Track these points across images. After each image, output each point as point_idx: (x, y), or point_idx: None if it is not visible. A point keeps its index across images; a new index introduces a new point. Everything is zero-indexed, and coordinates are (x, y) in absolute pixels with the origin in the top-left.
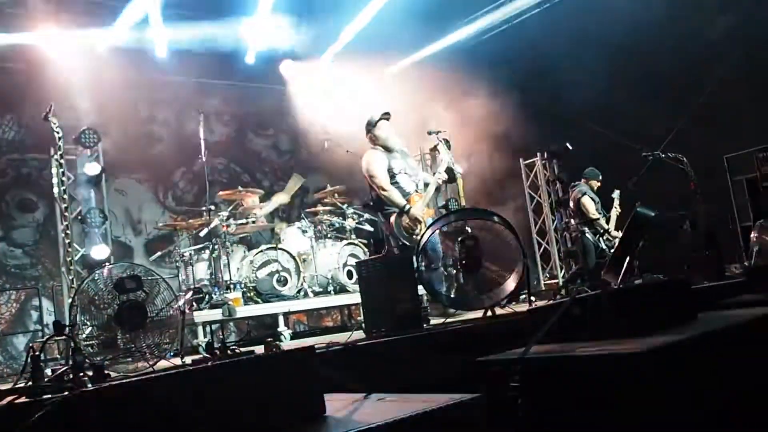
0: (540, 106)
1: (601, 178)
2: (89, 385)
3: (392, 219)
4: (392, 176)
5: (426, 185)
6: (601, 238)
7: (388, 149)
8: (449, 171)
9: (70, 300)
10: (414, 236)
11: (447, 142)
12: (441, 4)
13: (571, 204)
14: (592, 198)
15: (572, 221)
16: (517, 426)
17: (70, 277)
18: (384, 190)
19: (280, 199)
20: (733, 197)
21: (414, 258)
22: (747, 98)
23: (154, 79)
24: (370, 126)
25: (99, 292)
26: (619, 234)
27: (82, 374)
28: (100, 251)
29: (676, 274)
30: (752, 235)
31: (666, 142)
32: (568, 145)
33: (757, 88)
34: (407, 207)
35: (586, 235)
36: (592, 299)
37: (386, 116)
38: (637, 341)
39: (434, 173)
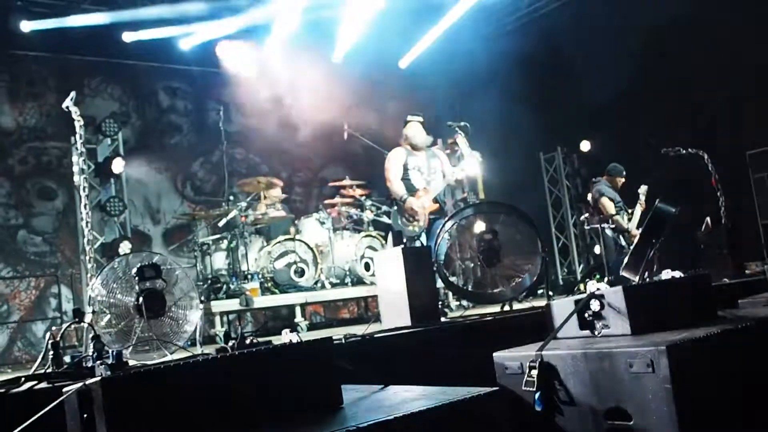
0: (561, 100)
1: (624, 174)
2: (108, 373)
3: (393, 210)
4: (405, 171)
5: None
6: (621, 236)
7: (414, 147)
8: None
9: (89, 287)
10: (409, 228)
11: (466, 128)
12: None
13: (590, 200)
14: (611, 198)
15: (592, 218)
16: (533, 420)
17: (90, 265)
18: (389, 181)
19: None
20: (755, 194)
21: (432, 251)
22: None
23: (175, 68)
24: (404, 124)
25: (118, 280)
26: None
27: (100, 362)
28: (123, 246)
29: (696, 271)
30: None
31: (687, 138)
32: (583, 145)
33: None
34: (405, 198)
35: (606, 232)
36: (610, 295)
37: (417, 117)
38: (655, 338)
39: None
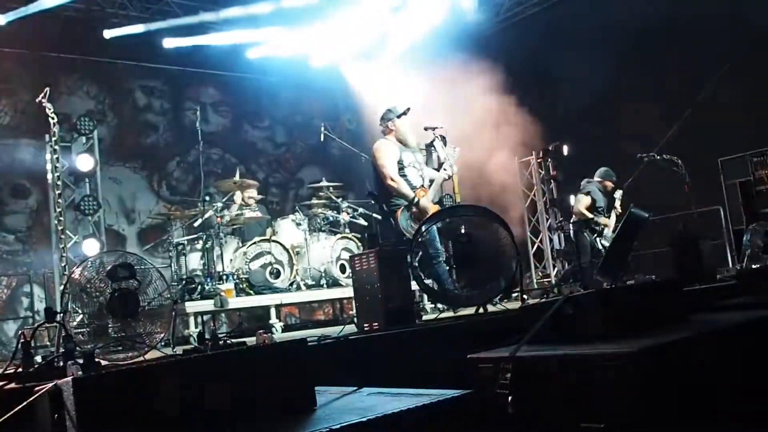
0: (537, 104)
1: (614, 179)
2: (79, 373)
3: (398, 212)
4: (401, 168)
5: (431, 181)
6: (598, 238)
7: (403, 143)
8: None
9: (62, 287)
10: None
11: (443, 138)
12: None
13: (572, 199)
14: (594, 198)
15: (568, 220)
16: (506, 422)
17: (62, 264)
18: (393, 180)
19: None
20: (727, 200)
21: (408, 253)
22: (742, 102)
23: (152, 67)
24: (392, 115)
25: (91, 279)
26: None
27: (72, 362)
28: (90, 246)
29: (669, 276)
30: (744, 238)
31: (661, 144)
32: (565, 149)
33: (753, 92)
34: (416, 199)
35: (583, 233)
36: (583, 298)
37: (408, 110)
38: (627, 341)
39: (439, 168)
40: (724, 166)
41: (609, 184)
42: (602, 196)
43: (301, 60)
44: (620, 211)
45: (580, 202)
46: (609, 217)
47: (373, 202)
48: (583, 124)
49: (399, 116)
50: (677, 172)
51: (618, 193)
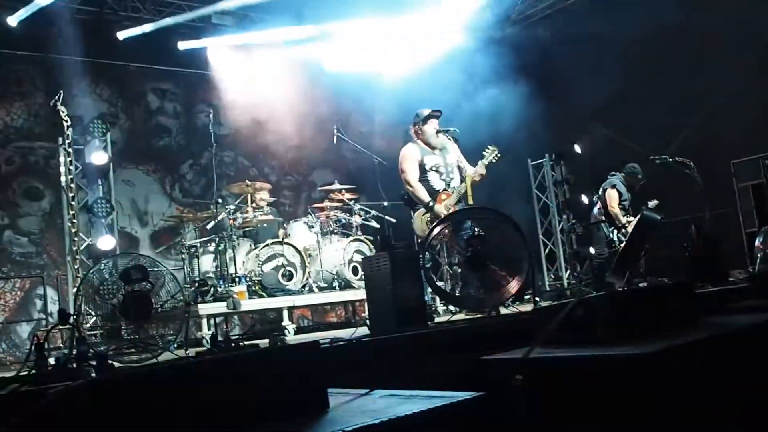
0: (550, 107)
1: (640, 176)
2: (92, 375)
3: (414, 215)
4: (423, 172)
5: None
6: (615, 232)
7: (429, 146)
8: (459, 170)
9: (75, 289)
10: None
11: (456, 140)
12: None
13: (600, 191)
14: (620, 192)
15: (581, 222)
16: (519, 426)
17: (76, 267)
18: (410, 185)
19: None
20: (739, 203)
21: (420, 255)
22: (755, 104)
23: (165, 70)
24: (418, 119)
25: (104, 282)
26: None
27: (85, 364)
28: (106, 242)
29: (681, 278)
30: (757, 240)
31: (674, 146)
32: (576, 147)
33: (766, 94)
34: (431, 204)
35: (602, 226)
36: (596, 301)
37: (436, 113)
38: (640, 344)
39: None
40: (737, 168)
41: (634, 181)
42: (626, 190)
43: (314, 63)
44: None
45: (612, 199)
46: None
47: (373, 212)
48: (595, 126)
49: (423, 120)
50: (689, 175)
51: (653, 203)
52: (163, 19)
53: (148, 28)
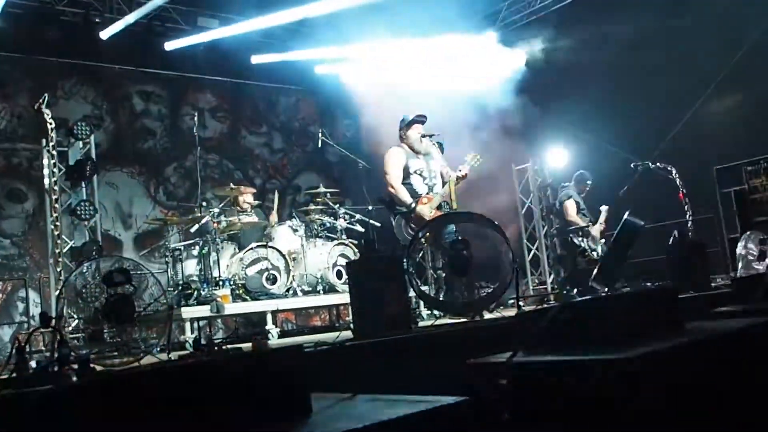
0: (534, 112)
1: (589, 182)
2: (74, 379)
3: (395, 218)
4: (406, 175)
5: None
6: (584, 240)
7: (414, 150)
8: (441, 175)
9: (58, 292)
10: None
11: (441, 145)
12: None
13: (557, 205)
14: (577, 201)
15: (555, 225)
16: (503, 429)
17: (58, 269)
18: (392, 187)
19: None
20: (721, 209)
21: (404, 260)
22: (737, 111)
23: (151, 72)
24: (403, 124)
25: (87, 284)
26: (602, 242)
27: (67, 367)
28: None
29: (664, 283)
30: (739, 246)
31: (656, 152)
32: (559, 151)
33: (748, 101)
34: (413, 205)
35: (572, 238)
36: (580, 305)
37: (420, 119)
38: (623, 349)
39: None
40: (719, 174)
41: (584, 188)
42: (580, 198)
43: (301, 66)
44: (604, 226)
45: (569, 209)
46: (594, 223)
47: (358, 216)
48: (578, 132)
49: (408, 124)
50: (672, 181)
51: (604, 208)
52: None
53: (131, 18)
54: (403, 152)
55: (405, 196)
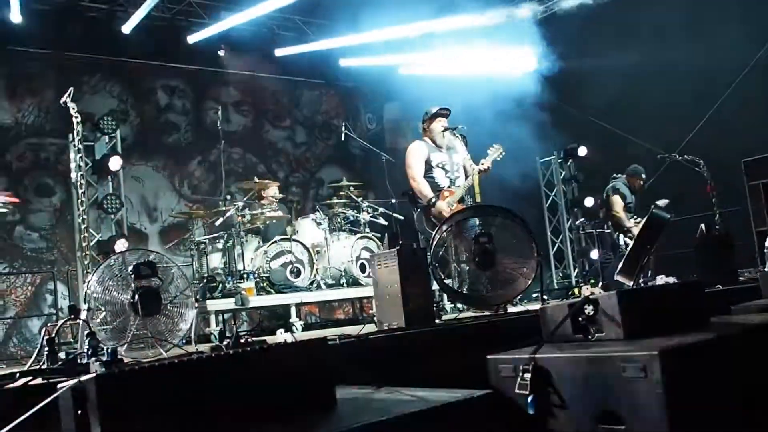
0: (560, 103)
1: (643, 176)
2: (102, 370)
3: (416, 212)
4: (428, 169)
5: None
6: (621, 235)
7: (436, 143)
8: (465, 168)
9: (86, 284)
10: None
11: (464, 138)
12: None
13: (603, 196)
14: (623, 194)
15: (589, 220)
16: (526, 423)
17: (86, 262)
18: (414, 180)
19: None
20: (750, 201)
21: (428, 253)
22: (766, 102)
23: (175, 67)
24: (426, 117)
25: (114, 277)
26: None
27: (95, 358)
28: (119, 245)
29: (690, 277)
30: (767, 239)
31: (683, 144)
32: (584, 146)
33: None
34: (434, 200)
35: (613, 233)
36: (604, 300)
37: (444, 112)
38: (649, 343)
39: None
40: (748, 166)
41: (637, 182)
42: (630, 193)
43: (324, 59)
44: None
45: (614, 203)
46: (639, 220)
47: (381, 209)
48: (604, 125)
49: (431, 117)
50: (699, 173)
51: (662, 202)
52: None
53: (144, 9)
54: (425, 146)
55: (426, 190)
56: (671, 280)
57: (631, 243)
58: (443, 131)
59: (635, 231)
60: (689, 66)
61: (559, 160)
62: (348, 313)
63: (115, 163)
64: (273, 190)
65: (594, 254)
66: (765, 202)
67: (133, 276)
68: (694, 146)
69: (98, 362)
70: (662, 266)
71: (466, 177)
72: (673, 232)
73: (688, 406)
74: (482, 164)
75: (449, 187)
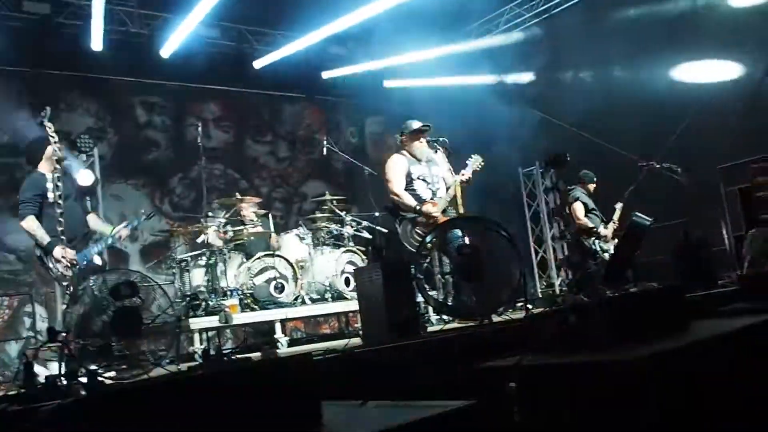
0: (540, 115)
1: (595, 180)
2: (82, 392)
3: (401, 224)
4: (409, 181)
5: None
6: (595, 241)
7: (415, 156)
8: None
9: (64, 306)
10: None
11: (447, 150)
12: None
13: (567, 209)
14: (584, 202)
15: (567, 228)
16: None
17: (64, 283)
18: (395, 194)
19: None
20: (727, 207)
21: (412, 265)
22: (742, 108)
23: (153, 83)
24: (405, 130)
25: (93, 298)
26: (614, 241)
27: (75, 381)
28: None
29: (670, 283)
30: (744, 244)
31: (661, 152)
32: (565, 154)
33: (752, 98)
34: (418, 207)
35: (582, 240)
36: (587, 307)
37: (425, 128)
38: (630, 349)
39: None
40: (724, 173)
41: (591, 186)
42: (588, 198)
43: (305, 73)
44: (617, 224)
45: (577, 211)
46: (606, 222)
47: (365, 223)
48: (584, 134)
49: (412, 133)
50: (678, 180)
51: (618, 205)
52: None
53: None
54: (404, 159)
55: (410, 200)
56: (652, 285)
57: (604, 246)
58: (423, 144)
59: (604, 232)
60: (666, 73)
61: (541, 170)
62: (334, 327)
63: (83, 178)
64: (255, 206)
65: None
66: (741, 207)
67: (112, 296)
68: (672, 154)
69: (78, 385)
70: (642, 272)
71: (447, 189)
72: (653, 238)
73: (671, 411)
74: (463, 175)
75: (431, 198)
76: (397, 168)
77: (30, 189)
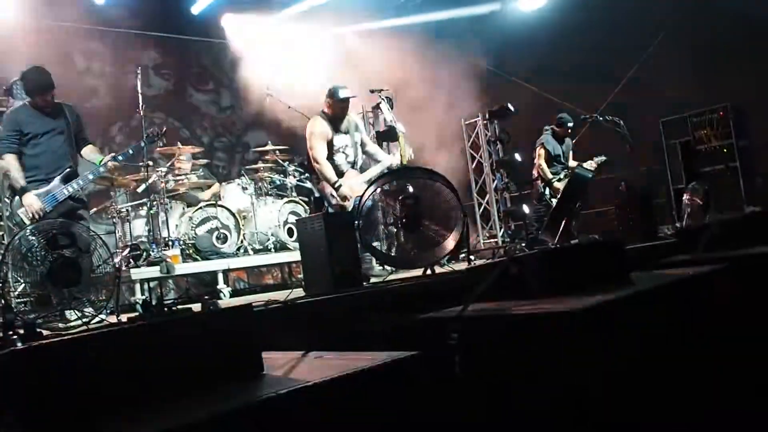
0: (483, 66)
1: (570, 125)
2: (19, 344)
3: (324, 186)
4: (330, 153)
5: (370, 161)
6: (546, 188)
7: (335, 124)
8: (391, 129)
9: (0, 257)
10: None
11: (390, 100)
12: None
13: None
14: (548, 149)
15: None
16: (455, 382)
17: (1, 233)
18: (317, 162)
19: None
20: (668, 160)
21: (354, 216)
22: (684, 62)
23: (92, 29)
24: (332, 95)
25: (31, 248)
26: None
27: (12, 333)
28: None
29: (610, 235)
30: (685, 197)
31: (604, 105)
32: (509, 105)
33: (695, 54)
34: (338, 184)
35: (537, 183)
36: (528, 259)
37: (353, 96)
38: (571, 300)
39: (387, 132)
40: (666, 126)
41: (560, 130)
42: (556, 142)
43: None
44: (573, 164)
45: (539, 156)
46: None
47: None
48: (529, 86)
49: (338, 100)
50: (620, 133)
51: (567, 141)
52: None
53: None
54: (328, 126)
55: (330, 173)
56: (592, 237)
57: (552, 195)
58: (371, 92)
59: (556, 185)
60: (611, 27)
61: (484, 122)
62: (277, 278)
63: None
64: (188, 155)
65: (526, 209)
66: (682, 160)
67: (49, 246)
68: (614, 106)
69: (14, 336)
70: (585, 224)
71: (367, 154)
72: (596, 190)
73: (610, 362)
74: (392, 161)
75: (351, 169)
76: (319, 135)
77: (6, 126)
